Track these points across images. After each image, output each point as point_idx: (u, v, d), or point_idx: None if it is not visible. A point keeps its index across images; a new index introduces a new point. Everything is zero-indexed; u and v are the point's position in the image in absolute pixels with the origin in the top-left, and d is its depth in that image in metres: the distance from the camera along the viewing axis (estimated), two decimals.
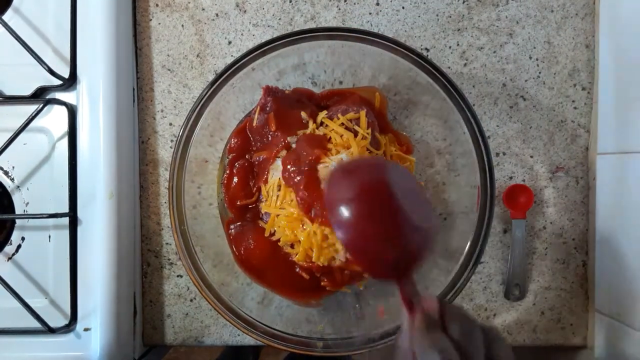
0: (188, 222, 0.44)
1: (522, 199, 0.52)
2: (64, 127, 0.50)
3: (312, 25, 0.53)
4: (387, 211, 0.30)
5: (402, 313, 0.29)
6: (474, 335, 0.27)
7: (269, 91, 0.46)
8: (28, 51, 0.48)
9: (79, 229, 0.49)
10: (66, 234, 0.49)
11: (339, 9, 0.53)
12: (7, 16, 0.50)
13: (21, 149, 0.50)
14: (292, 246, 0.44)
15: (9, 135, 0.48)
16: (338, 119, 0.45)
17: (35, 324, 0.47)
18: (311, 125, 0.45)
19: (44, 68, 0.48)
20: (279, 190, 0.43)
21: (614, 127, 0.49)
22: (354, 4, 0.53)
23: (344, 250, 0.39)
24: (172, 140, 0.54)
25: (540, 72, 0.53)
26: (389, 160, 0.39)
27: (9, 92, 0.51)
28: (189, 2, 0.54)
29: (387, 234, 0.30)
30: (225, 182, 0.47)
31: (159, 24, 0.54)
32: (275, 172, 0.44)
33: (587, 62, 0.53)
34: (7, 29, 0.48)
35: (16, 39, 0.48)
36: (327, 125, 0.45)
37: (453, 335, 0.26)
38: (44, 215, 0.48)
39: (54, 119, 0.50)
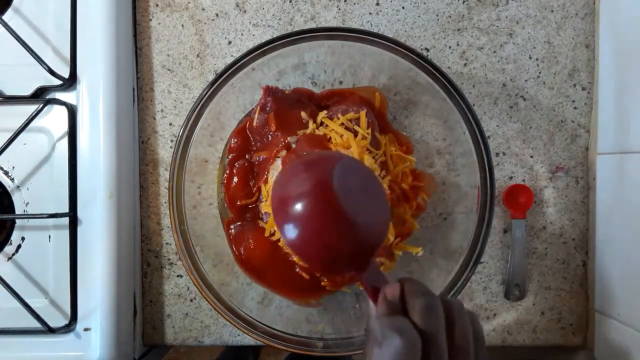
0: (188, 222, 0.44)
1: (522, 199, 0.52)
2: (64, 127, 0.49)
3: (312, 25, 0.53)
4: (335, 207, 0.29)
5: (369, 301, 0.30)
6: (435, 312, 0.27)
7: (269, 91, 0.46)
8: (28, 51, 0.48)
9: (79, 229, 0.49)
10: (66, 234, 0.49)
11: (339, 9, 0.53)
12: (7, 16, 0.50)
13: (21, 149, 0.50)
14: None
15: (9, 135, 0.48)
16: (338, 119, 0.45)
17: (35, 324, 0.47)
18: (311, 125, 0.45)
19: (44, 68, 0.48)
20: None
21: (614, 127, 0.49)
22: (354, 4, 0.53)
23: (294, 253, 0.36)
24: (172, 140, 0.54)
25: (540, 72, 0.53)
26: (338, 153, 0.38)
27: (9, 92, 0.51)
28: (189, 2, 0.54)
29: (337, 229, 0.29)
30: (225, 182, 0.47)
31: (159, 24, 0.54)
32: (275, 172, 0.44)
33: (587, 62, 0.53)
34: (7, 29, 0.48)
35: (16, 39, 0.48)
36: (327, 125, 0.45)
37: (414, 316, 0.27)
38: (44, 215, 0.48)
39: (54, 119, 0.50)
